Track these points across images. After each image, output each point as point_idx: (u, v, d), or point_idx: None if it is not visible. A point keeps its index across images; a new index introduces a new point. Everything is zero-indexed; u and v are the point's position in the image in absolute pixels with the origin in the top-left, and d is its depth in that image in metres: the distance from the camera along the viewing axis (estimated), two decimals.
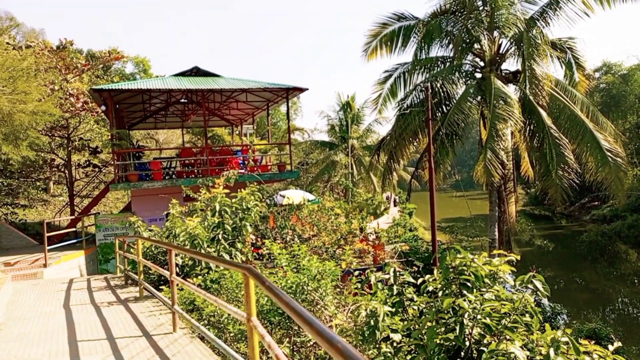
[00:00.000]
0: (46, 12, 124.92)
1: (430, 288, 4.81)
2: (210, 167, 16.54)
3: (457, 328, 3.74)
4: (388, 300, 4.93)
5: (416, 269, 14.31)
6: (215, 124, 25.88)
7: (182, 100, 20.93)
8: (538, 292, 4.36)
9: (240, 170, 16.45)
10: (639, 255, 33.54)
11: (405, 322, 4.36)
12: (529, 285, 4.40)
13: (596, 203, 45.23)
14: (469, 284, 4.04)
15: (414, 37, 19.00)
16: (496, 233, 17.78)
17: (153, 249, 9.91)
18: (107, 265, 15.87)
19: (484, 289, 4.12)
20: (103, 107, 16.79)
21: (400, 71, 19.93)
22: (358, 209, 24.68)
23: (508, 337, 3.62)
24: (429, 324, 4.07)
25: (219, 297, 6.90)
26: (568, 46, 18.90)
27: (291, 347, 5.72)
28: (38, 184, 25.04)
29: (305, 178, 41.24)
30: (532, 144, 17.52)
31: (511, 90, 17.15)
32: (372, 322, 4.37)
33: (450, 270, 4.15)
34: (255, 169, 17.53)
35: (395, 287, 4.80)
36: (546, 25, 17.92)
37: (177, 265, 8.09)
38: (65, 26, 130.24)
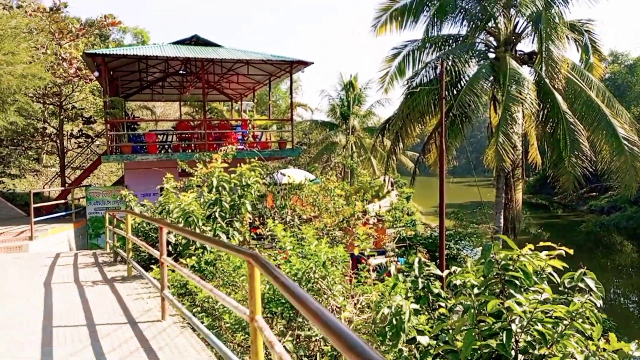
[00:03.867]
0: None
1: (458, 282, 4.17)
2: (207, 142, 15.77)
3: (504, 335, 3.09)
4: (410, 295, 4.28)
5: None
6: (214, 98, 24.92)
7: (181, 72, 20.01)
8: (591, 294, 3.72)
9: (239, 146, 15.71)
10: (634, 247, 33.21)
11: (437, 325, 3.71)
12: (580, 284, 3.76)
13: (594, 194, 44.80)
14: (517, 281, 3.38)
15: (426, 12, 18.04)
16: (501, 220, 17.18)
17: (144, 225, 9.23)
18: (97, 240, 15.19)
19: (533, 288, 3.46)
20: (96, 73, 15.90)
21: (409, 48, 19.00)
22: (361, 191, 23.96)
23: (566, 347, 2.98)
24: (465, 327, 3.42)
25: (213, 281, 6.26)
26: (586, 29, 17.99)
27: (294, 341, 5.09)
28: (30, 153, 24.16)
29: (304, 158, 40.40)
30: (545, 129, 16.79)
31: (526, 72, 16.34)
32: (394, 321, 3.72)
33: (495, 265, 3.47)
34: (254, 145, 16.78)
35: (420, 280, 4.14)
36: (565, 5, 17.02)
37: (169, 243, 7.43)
38: None
